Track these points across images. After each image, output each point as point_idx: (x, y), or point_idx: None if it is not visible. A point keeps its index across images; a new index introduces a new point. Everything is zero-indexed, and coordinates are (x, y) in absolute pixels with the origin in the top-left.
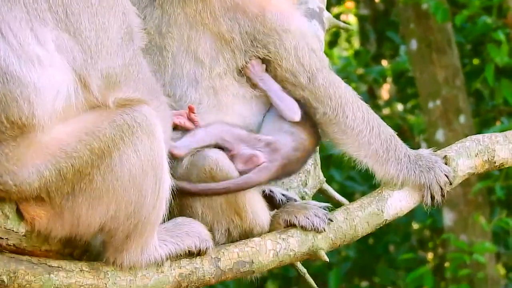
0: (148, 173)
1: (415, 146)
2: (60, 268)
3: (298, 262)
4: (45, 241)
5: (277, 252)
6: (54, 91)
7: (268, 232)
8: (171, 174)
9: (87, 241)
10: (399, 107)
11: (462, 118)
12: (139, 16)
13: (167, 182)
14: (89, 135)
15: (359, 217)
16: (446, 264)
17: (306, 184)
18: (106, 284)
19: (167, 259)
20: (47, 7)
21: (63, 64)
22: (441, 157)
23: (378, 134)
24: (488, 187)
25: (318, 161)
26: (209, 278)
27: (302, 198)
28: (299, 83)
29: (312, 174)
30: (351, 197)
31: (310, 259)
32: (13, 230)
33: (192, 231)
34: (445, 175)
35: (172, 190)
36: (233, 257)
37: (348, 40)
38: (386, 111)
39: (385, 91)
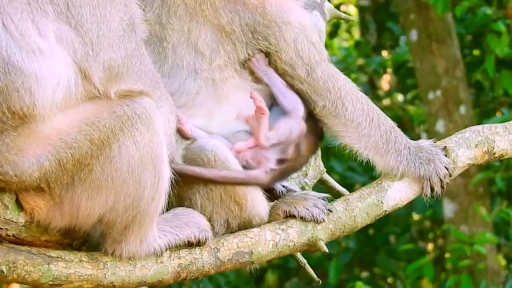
0: (147, 165)
1: (415, 137)
2: (60, 259)
3: (298, 253)
4: (44, 231)
5: (276, 243)
6: (54, 82)
7: (268, 222)
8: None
9: (86, 231)
10: (399, 97)
11: (462, 109)
12: (140, 7)
13: (166, 174)
14: (89, 126)
15: (359, 208)
16: (447, 255)
17: (306, 174)
18: (105, 274)
19: (166, 249)
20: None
21: (63, 55)
22: (441, 148)
23: (378, 126)
24: (489, 177)
25: (319, 151)
26: (209, 268)
27: (302, 188)
28: (298, 76)
29: (313, 165)
30: (351, 188)
31: (309, 250)
32: (12, 221)
33: (192, 222)
34: (445, 167)
35: (172, 181)
36: (232, 247)
37: (348, 31)
38: (386, 101)
39: (385, 81)
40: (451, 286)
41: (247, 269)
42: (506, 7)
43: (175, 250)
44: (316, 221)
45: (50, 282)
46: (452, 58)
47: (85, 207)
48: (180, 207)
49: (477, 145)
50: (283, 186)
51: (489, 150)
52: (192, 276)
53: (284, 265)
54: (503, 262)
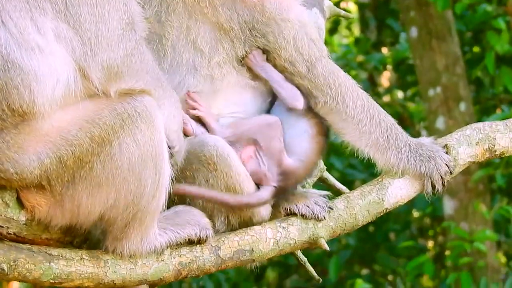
0: (148, 162)
1: (415, 134)
2: (60, 257)
3: (298, 251)
4: (45, 229)
5: (277, 241)
6: (54, 79)
7: (268, 220)
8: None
9: (87, 229)
10: (399, 94)
11: (462, 106)
12: (139, 5)
13: (167, 172)
14: (90, 123)
15: (360, 206)
16: (447, 252)
17: None
18: (106, 272)
19: (167, 247)
20: None
21: (62, 53)
22: (441, 145)
23: (379, 123)
24: (489, 175)
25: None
26: (209, 266)
27: (303, 186)
28: (298, 72)
29: None
30: (351, 185)
31: (310, 248)
32: (13, 219)
33: (192, 219)
34: (446, 164)
35: (172, 179)
36: (233, 245)
37: (348, 28)
38: (386, 98)
39: (385, 78)
40: (451, 283)
41: (247, 267)
42: (506, 4)
43: (176, 248)
44: (317, 219)
45: (51, 280)
46: (452, 55)
47: (86, 204)
48: (181, 205)
49: (478, 142)
50: None
51: (490, 148)
52: (193, 274)
53: (284, 262)
54: (503, 259)
